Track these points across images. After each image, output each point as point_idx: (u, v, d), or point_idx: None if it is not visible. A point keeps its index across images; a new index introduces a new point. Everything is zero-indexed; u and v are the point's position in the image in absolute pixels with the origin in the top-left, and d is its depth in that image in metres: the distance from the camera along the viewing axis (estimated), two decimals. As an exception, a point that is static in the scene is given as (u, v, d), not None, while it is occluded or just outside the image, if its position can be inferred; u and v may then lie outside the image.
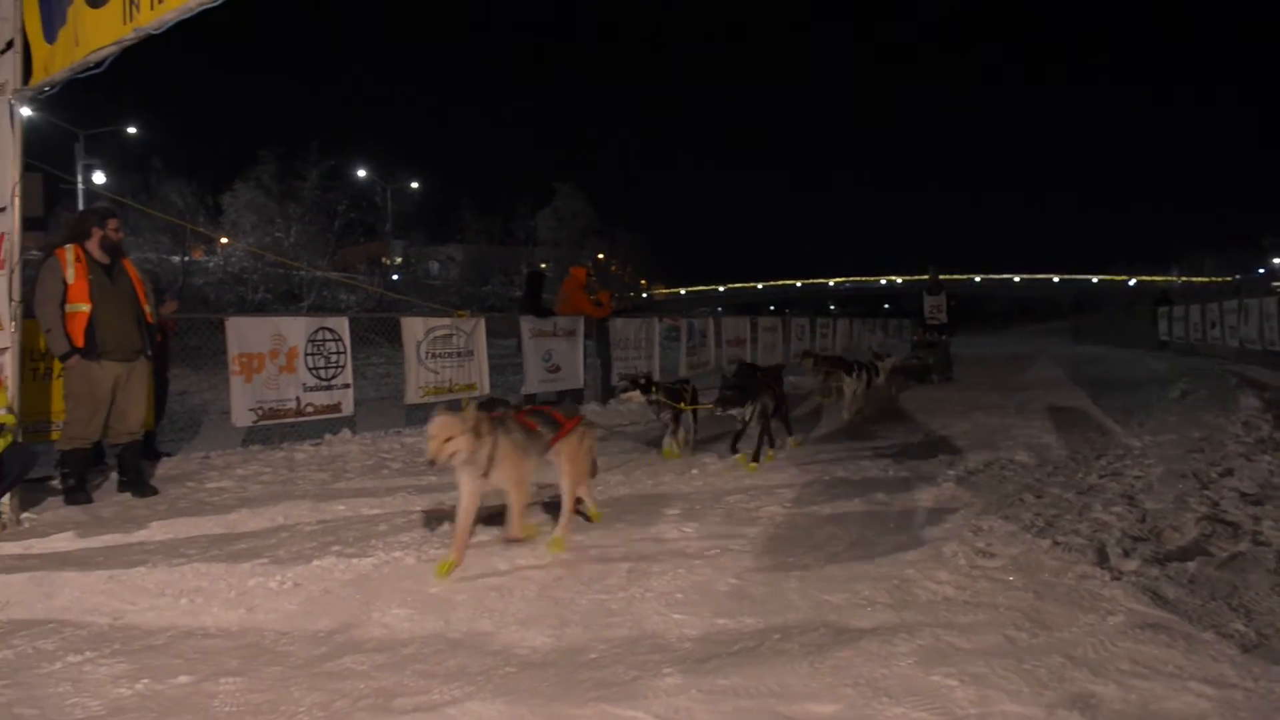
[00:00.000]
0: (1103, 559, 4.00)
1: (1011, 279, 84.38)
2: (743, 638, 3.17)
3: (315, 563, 4.21)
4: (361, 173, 42.97)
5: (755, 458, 6.69)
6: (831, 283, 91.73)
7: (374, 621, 3.43)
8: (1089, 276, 79.12)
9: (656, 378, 12.97)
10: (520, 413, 4.65)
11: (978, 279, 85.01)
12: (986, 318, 69.90)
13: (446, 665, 2.95)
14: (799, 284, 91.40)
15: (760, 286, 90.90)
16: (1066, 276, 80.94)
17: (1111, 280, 75.36)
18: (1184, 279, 62.40)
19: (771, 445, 7.04)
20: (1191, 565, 3.86)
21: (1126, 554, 4.06)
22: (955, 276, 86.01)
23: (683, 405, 7.25)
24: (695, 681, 2.78)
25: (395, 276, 44.52)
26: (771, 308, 71.45)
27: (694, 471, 6.61)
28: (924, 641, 3.09)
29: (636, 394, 7.16)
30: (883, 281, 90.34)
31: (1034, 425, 8.69)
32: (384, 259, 45.91)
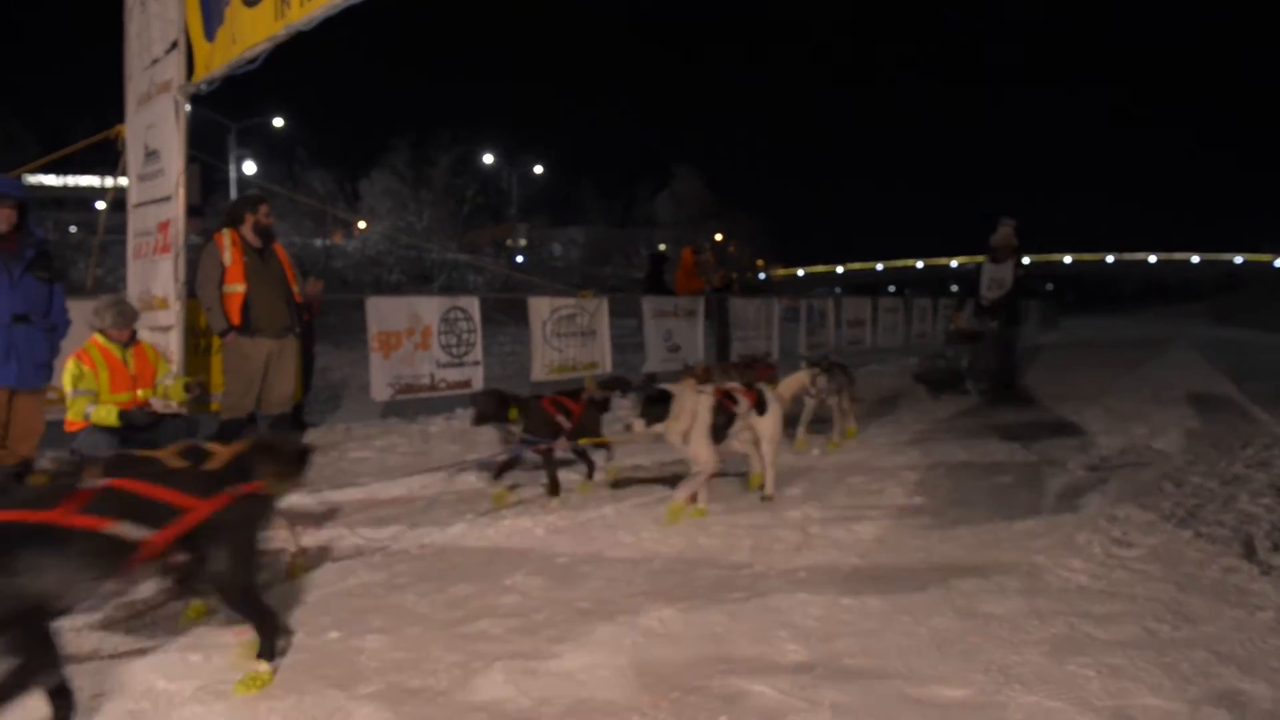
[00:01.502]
0: (1250, 552, 3.80)
1: (1146, 259, 79.64)
2: (868, 618, 3.16)
3: (450, 530, 4.44)
4: (489, 159, 44.05)
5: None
6: (954, 262, 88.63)
7: (506, 588, 3.58)
8: (1231, 255, 73.74)
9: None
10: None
11: (1110, 259, 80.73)
12: (1119, 299, 66.33)
13: (576, 632, 3.06)
14: (920, 264, 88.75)
15: (880, 267, 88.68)
16: (1207, 256, 75.69)
17: (1257, 260, 69.99)
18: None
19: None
20: (1352, 562, 3.63)
21: (1276, 547, 3.84)
22: (1085, 256, 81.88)
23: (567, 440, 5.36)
24: (821, 660, 2.80)
25: (519, 258, 45.56)
26: (891, 288, 69.69)
27: (814, 451, 6.58)
28: (1057, 630, 3.03)
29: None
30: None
31: (1172, 411, 8.22)
32: (508, 241, 47.03)
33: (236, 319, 5.99)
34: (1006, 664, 2.75)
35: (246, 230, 6.20)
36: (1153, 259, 78.76)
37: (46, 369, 4.89)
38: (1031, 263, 14.47)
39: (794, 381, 6.26)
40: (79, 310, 5.31)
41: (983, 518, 4.56)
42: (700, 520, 4.57)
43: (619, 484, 5.41)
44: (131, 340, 5.33)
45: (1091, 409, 8.62)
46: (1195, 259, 76.38)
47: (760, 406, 5.03)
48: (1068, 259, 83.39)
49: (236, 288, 5.99)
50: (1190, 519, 4.35)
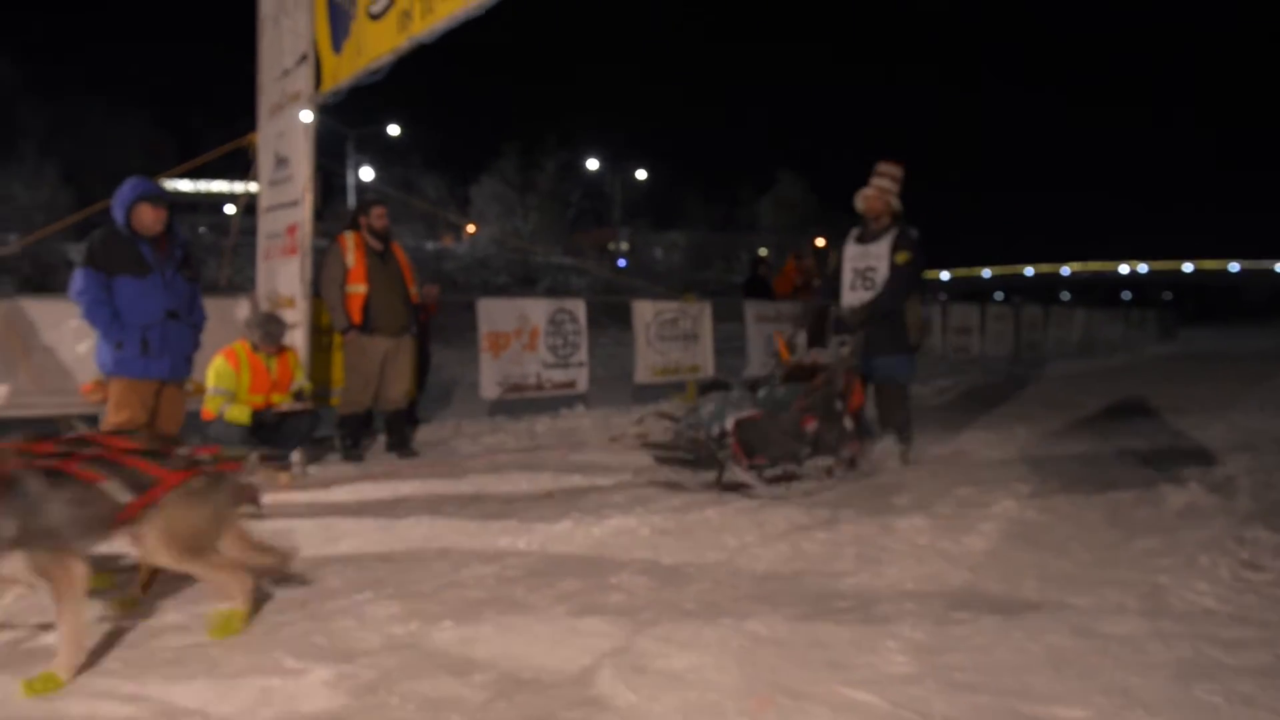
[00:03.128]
0: (1400, 582, 3.57)
1: (1273, 267, 74.90)
2: (979, 633, 3.10)
3: (557, 526, 4.53)
4: (593, 164, 44.68)
5: None
6: (1065, 269, 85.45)
7: (612, 586, 3.65)
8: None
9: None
10: None
11: (1234, 266, 76.29)
12: (1245, 310, 62.58)
13: (682, 633, 3.10)
14: (1028, 271, 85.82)
15: (987, 274, 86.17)
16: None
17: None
18: None
19: None
20: None
21: None
22: (1207, 263, 77.59)
23: None
24: (930, 673, 2.76)
25: (621, 262, 46.01)
26: (998, 295, 67.56)
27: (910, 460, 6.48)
28: (1182, 654, 2.91)
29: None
30: (1123, 269, 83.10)
31: (1306, 428, 7.77)
32: (611, 245, 47.57)
33: (357, 318, 6.27)
34: (1128, 686, 2.66)
35: (366, 233, 6.49)
36: (1280, 268, 74.33)
37: (190, 362, 5.22)
38: (917, 255, 6.17)
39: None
40: (212, 307, 5.65)
41: (1100, 534, 4.40)
42: (804, 527, 4.56)
43: (726, 488, 5.44)
44: (280, 348, 5.69)
45: (1215, 424, 8.19)
46: (1332, 268, 71.79)
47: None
48: (1188, 266, 79.32)
49: (358, 288, 6.27)
50: (1327, 544, 4.11)
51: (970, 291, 72.29)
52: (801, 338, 6.40)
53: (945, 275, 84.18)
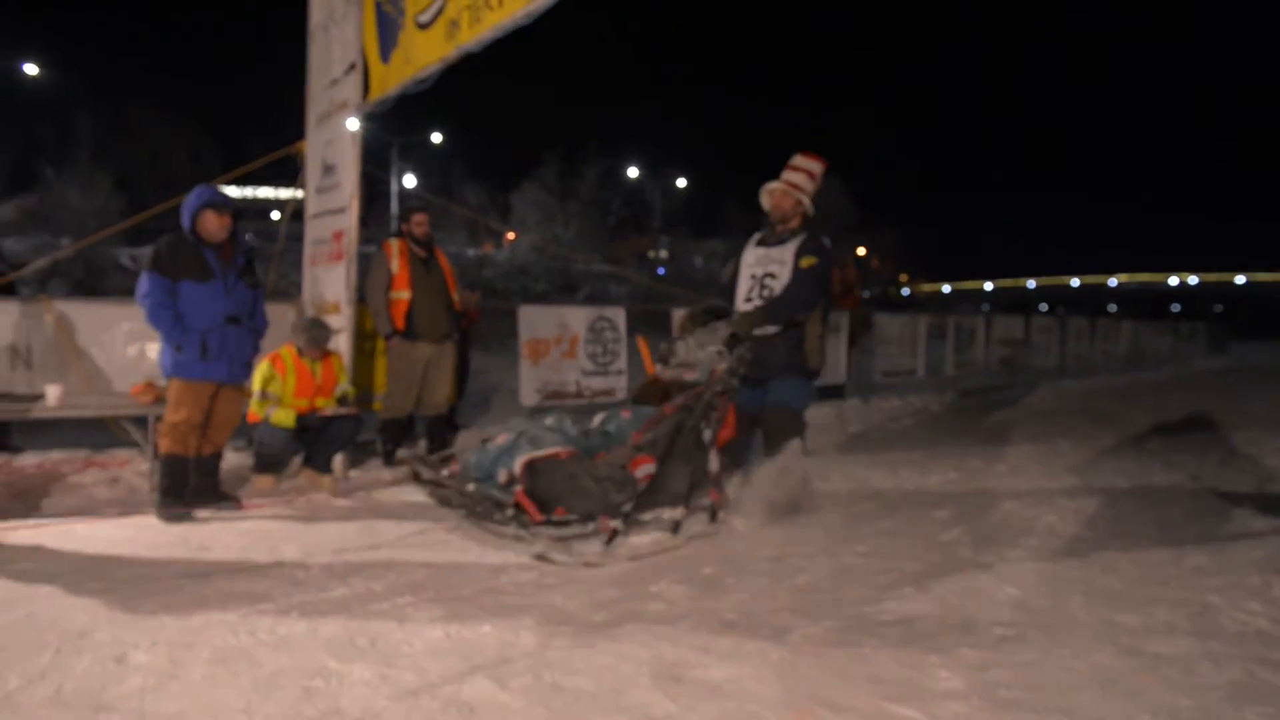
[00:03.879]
0: None
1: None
2: (1024, 650, 3.05)
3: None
4: (633, 172, 44.85)
5: None
6: (1113, 281, 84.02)
7: (651, 594, 3.64)
8: None
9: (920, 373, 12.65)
10: None
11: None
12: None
13: (722, 643, 3.09)
14: (1075, 282, 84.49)
15: (1032, 285, 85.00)
16: None
17: None
18: None
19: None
20: None
21: None
22: (1261, 275, 75.80)
23: None
24: (975, 689, 2.72)
25: (661, 270, 46.08)
26: (1043, 307, 66.59)
27: (952, 474, 6.40)
28: (1234, 675, 2.84)
29: None
30: (1173, 281, 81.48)
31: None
32: (650, 253, 47.65)
33: (400, 324, 6.34)
34: (1177, 707, 2.60)
35: (409, 240, 6.57)
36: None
37: (249, 367, 5.31)
38: (824, 263, 5.13)
39: None
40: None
41: (1148, 552, 4.31)
42: (846, 540, 4.52)
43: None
44: (325, 353, 5.78)
45: (1270, 440, 7.99)
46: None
47: None
48: (1240, 279, 77.58)
49: (402, 294, 6.34)
50: (1386, 566, 3.99)
51: (1014, 303, 71.38)
52: (684, 346, 5.33)
53: (989, 286, 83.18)
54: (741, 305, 5.25)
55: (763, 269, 5.22)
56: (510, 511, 3.98)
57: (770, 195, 5.28)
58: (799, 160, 5.31)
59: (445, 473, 4.17)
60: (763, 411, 5.16)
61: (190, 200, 5.04)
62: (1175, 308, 68.93)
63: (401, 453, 4.19)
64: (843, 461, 7.01)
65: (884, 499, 5.57)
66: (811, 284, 5.08)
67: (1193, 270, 79.97)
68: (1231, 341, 30.65)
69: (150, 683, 2.73)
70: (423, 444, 6.65)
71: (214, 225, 5.01)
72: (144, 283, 4.91)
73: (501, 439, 4.37)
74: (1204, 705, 2.62)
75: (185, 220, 5.02)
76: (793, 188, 5.21)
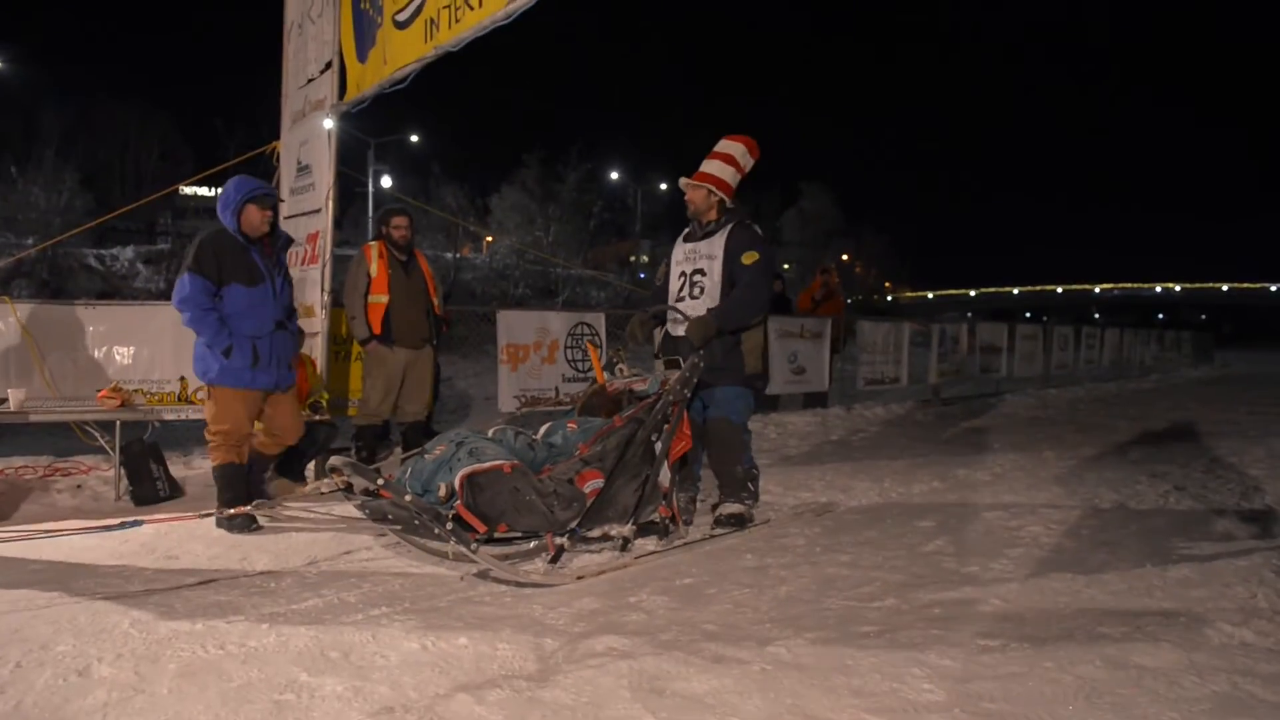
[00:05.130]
0: None
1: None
2: (1009, 662, 3.00)
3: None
4: (615, 175, 44.82)
5: None
6: (1097, 289, 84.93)
7: (631, 605, 3.57)
8: None
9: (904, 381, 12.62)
10: None
11: (1275, 288, 75.46)
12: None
13: (702, 654, 3.02)
14: (1059, 289, 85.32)
15: (1016, 292, 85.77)
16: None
17: None
18: None
19: None
20: None
21: None
22: (1245, 285, 76.76)
23: None
24: (958, 700, 2.67)
25: (642, 275, 46.06)
26: (1028, 315, 67.07)
27: (936, 483, 6.36)
28: (1219, 688, 2.80)
29: None
30: (1158, 289, 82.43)
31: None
32: (631, 258, 47.60)
33: (378, 328, 6.24)
34: (1163, 721, 2.56)
35: (388, 243, 6.48)
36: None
37: (292, 370, 5.07)
38: (767, 255, 4.97)
39: None
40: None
41: (1133, 563, 4.28)
42: (829, 549, 4.46)
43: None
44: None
45: (1254, 450, 8.03)
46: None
47: None
48: (1225, 287, 78.49)
49: (380, 298, 6.25)
50: (1372, 575, 3.98)
51: (998, 310, 71.86)
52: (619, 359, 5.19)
53: (973, 293, 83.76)
54: (674, 304, 5.04)
55: (691, 265, 5.02)
56: (450, 525, 3.72)
57: (686, 188, 5.07)
58: (719, 145, 5.06)
59: (380, 482, 3.84)
60: (704, 424, 4.97)
61: (229, 194, 4.68)
62: (1160, 315, 69.65)
63: (334, 460, 3.94)
64: (825, 470, 6.96)
65: (867, 508, 5.53)
66: (763, 283, 4.92)
67: (1177, 279, 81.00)
68: (1216, 350, 30.96)
69: (114, 697, 2.64)
70: (357, 450, 6.49)
71: (256, 219, 4.70)
72: (184, 285, 4.56)
73: (440, 450, 4.09)
74: (1189, 718, 2.57)
75: (229, 218, 4.67)
76: (704, 179, 4.98)
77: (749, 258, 4.83)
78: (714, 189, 4.97)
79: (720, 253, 4.88)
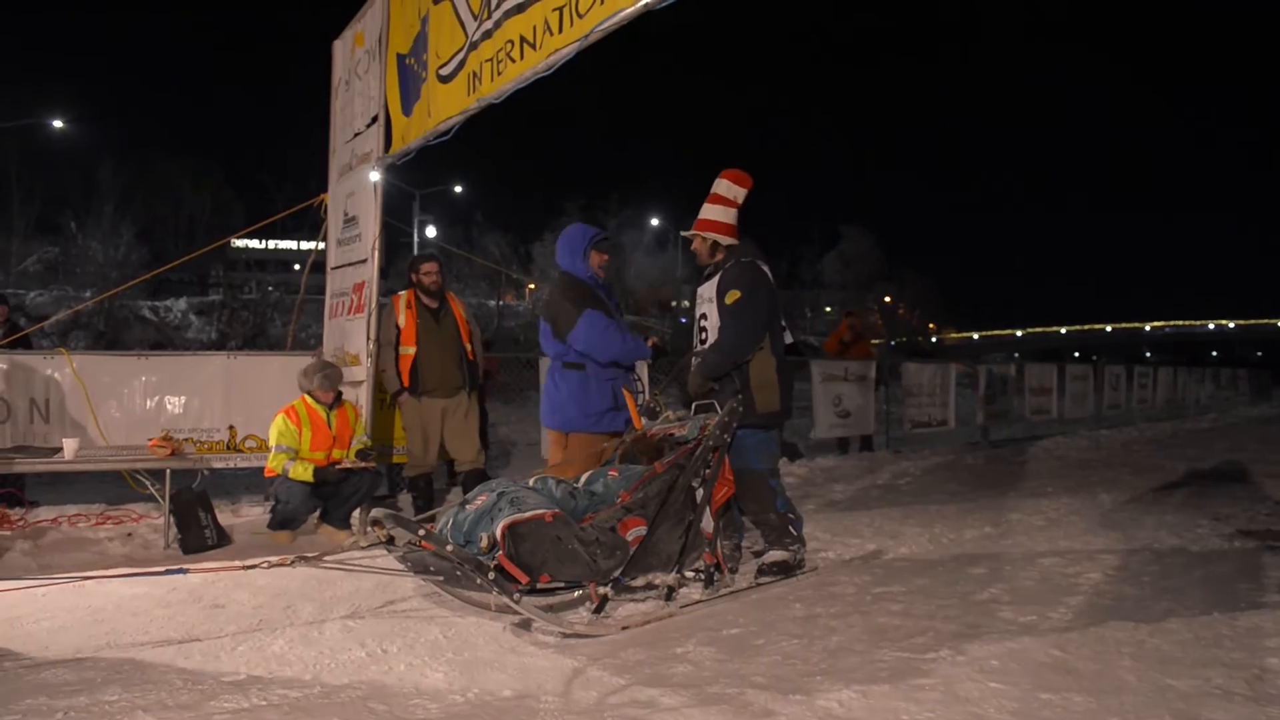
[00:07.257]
0: None
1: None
2: (1070, 715, 2.88)
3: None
4: (655, 221, 45.14)
5: None
6: (1148, 327, 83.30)
7: (678, 656, 3.49)
8: None
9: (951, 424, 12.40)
10: None
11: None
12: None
13: (752, 709, 2.94)
14: (1109, 328, 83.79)
15: (1063, 331, 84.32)
16: None
17: None
18: None
19: None
20: None
21: None
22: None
23: None
24: (1021, 760, 2.56)
25: (683, 320, 46.08)
26: (1076, 354, 65.89)
27: (988, 528, 6.20)
28: (1298, 746, 2.66)
29: None
30: (1210, 326, 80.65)
31: None
32: (673, 302, 47.71)
33: (406, 380, 6.25)
34: (1239, 781, 2.42)
35: (418, 291, 6.51)
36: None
37: None
38: (753, 291, 4.80)
39: None
40: (279, 364, 5.68)
41: (1198, 611, 4.10)
42: (879, 598, 4.35)
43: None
44: (337, 401, 5.69)
45: (1322, 492, 7.74)
46: None
47: None
48: (1281, 323, 76.59)
49: (408, 350, 6.26)
50: None
51: (1045, 350, 70.67)
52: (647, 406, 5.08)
53: (1019, 333, 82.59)
54: (695, 349, 5.01)
55: (699, 310, 5.02)
56: (492, 575, 3.62)
57: (704, 246, 5.03)
58: (715, 187, 5.01)
59: (422, 534, 3.73)
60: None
61: (575, 240, 4.99)
62: (1214, 354, 68.03)
63: (375, 512, 3.87)
64: (873, 515, 6.82)
65: (917, 554, 5.39)
66: (742, 322, 4.74)
67: (1230, 316, 79.26)
68: (1275, 388, 30.08)
69: (155, 751, 2.63)
70: (413, 501, 6.48)
71: (597, 264, 5.01)
72: (594, 322, 4.84)
73: (480, 500, 3.99)
74: (1271, 781, 2.44)
75: (580, 265, 4.99)
76: (699, 227, 4.96)
77: (730, 297, 4.76)
78: (707, 234, 4.95)
79: (715, 295, 4.87)
